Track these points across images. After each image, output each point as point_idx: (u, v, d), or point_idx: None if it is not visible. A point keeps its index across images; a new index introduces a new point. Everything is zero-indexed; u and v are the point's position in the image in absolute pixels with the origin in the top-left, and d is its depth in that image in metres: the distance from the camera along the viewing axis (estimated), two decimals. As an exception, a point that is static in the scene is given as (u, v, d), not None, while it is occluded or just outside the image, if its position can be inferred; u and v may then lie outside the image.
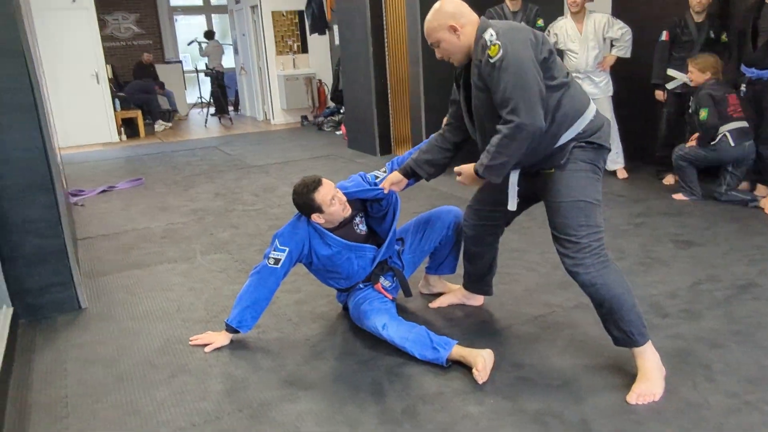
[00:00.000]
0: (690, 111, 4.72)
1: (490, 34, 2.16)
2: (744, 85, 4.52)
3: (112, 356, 2.79)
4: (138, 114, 10.16)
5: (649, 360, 2.31)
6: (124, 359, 2.76)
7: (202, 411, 2.33)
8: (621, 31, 5.14)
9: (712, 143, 4.49)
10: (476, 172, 2.31)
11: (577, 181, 2.26)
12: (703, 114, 4.46)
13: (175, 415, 2.32)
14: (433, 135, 2.78)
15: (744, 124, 4.46)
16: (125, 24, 13.22)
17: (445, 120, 2.73)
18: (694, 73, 4.59)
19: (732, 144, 4.43)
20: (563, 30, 5.23)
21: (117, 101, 9.84)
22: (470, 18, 2.29)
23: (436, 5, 2.33)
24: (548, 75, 2.19)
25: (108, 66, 10.03)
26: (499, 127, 2.17)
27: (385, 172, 2.92)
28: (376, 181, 2.89)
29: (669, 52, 5.01)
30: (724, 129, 4.44)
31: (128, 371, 2.65)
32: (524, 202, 2.57)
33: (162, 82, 11.54)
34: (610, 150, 2.37)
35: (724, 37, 4.87)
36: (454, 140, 2.68)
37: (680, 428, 2.07)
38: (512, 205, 2.45)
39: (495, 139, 2.19)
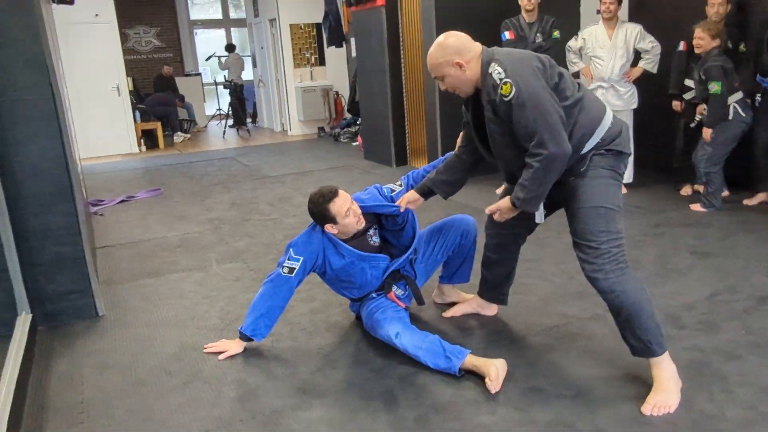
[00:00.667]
0: (698, 79, 4.60)
1: (498, 72, 2.18)
2: (759, 96, 4.44)
3: (128, 363, 2.82)
4: (158, 126, 10.30)
5: (665, 371, 2.29)
6: (140, 366, 2.79)
7: (215, 418, 2.34)
8: (652, 44, 5.08)
9: (723, 121, 4.43)
10: (514, 204, 2.35)
11: (597, 188, 2.27)
12: (717, 88, 4.38)
13: (188, 422, 2.33)
14: (449, 154, 2.81)
15: (741, 93, 4.46)
16: (146, 37, 13.43)
17: (458, 141, 2.76)
18: (704, 39, 4.45)
19: (743, 114, 4.42)
20: (593, 36, 5.15)
21: (137, 113, 9.99)
22: (474, 51, 2.31)
23: (440, 39, 2.35)
24: (562, 96, 2.21)
25: (129, 78, 10.18)
26: (528, 161, 2.20)
27: (400, 185, 2.94)
28: (392, 194, 2.91)
29: (686, 62, 4.97)
30: (732, 100, 4.41)
31: (143, 377, 2.68)
32: (547, 210, 2.57)
33: (182, 94, 11.68)
34: (630, 154, 2.39)
35: (742, 47, 4.80)
36: (470, 161, 2.72)
37: (695, 440, 2.04)
38: (540, 218, 2.49)
39: (528, 173, 2.22)
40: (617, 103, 5.15)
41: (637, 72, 5.20)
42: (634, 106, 5.30)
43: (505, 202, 2.40)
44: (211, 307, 3.40)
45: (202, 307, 3.41)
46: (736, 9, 4.83)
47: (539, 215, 2.47)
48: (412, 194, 2.81)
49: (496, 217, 2.50)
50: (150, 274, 4.00)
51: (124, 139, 9.78)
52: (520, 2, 5.33)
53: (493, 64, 2.21)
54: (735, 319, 2.90)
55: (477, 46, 2.33)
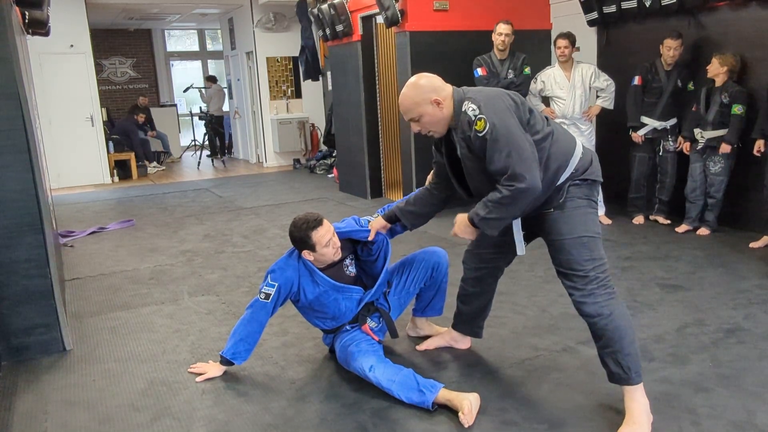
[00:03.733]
0: (720, 102, 4.73)
1: (472, 109, 2.23)
2: None
3: (95, 399, 2.76)
4: (131, 156, 10.23)
5: (638, 402, 2.31)
6: (107, 401, 2.73)
7: (183, 455, 2.30)
8: (606, 82, 5.34)
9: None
10: (471, 221, 2.36)
11: (577, 218, 2.32)
12: (743, 110, 4.61)
13: (156, 459, 2.28)
14: (420, 189, 2.84)
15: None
16: (122, 68, 13.41)
17: (429, 178, 2.79)
18: (714, 65, 4.69)
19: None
20: (551, 78, 5.39)
21: (111, 143, 9.92)
22: (447, 91, 2.37)
23: (413, 80, 2.39)
24: (533, 131, 2.27)
25: (103, 109, 10.13)
26: (499, 186, 2.22)
27: (377, 218, 2.97)
28: (368, 226, 2.93)
29: (641, 96, 5.17)
30: None
31: (110, 414, 2.62)
32: (525, 241, 2.60)
33: (147, 124, 11.47)
34: (602, 182, 2.45)
35: (690, 85, 5.07)
36: (442, 197, 2.75)
37: (665, 473, 2.05)
38: (521, 250, 2.51)
39: (494, 196, 2.24)
40: (580, 140, 5.30)
41: (595, 110, 5.43)
42: (593, 142, 5.54)
43: (461, 217, 2.42)
44: (182, 341, 3.35)
45: (173, 341, 3.36)
46: (689, 53, 5.12)
47: (520, 246, 2.50)
48: (379, 221, 2.86)
49: (453, 230, 2.48)
50: (120, 307, 3.94)
51: (97, 169, 9.69)
52: (493, 39, 5.46)
53: (466, 102, 2.26)
54: (703, 351, 2.95)
55: (448, 87, 2.38)
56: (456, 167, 2.49)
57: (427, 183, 2.80)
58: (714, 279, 3.95)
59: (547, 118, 2.40)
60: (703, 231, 4.95)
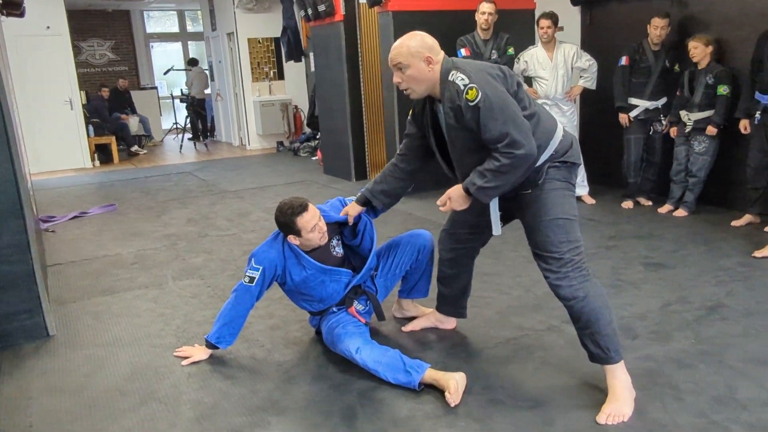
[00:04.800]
0: (705, 83, 4.75)
1: (461, 78, 2.20)
2: (759, 113, 4.40)
3: (80, 384, 2.74)
4: (112, 140, 10.10)
5: (620, 380, 2.33)
6: (92, 387, 2.71)
7: (170, 438, 2.29)
8: (589, 62, 5.34)
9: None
10: (467, 191, 2.32)
11: (555, 200, 2.32)
12: (728, 91, 4.64)
13: (142, 443, 2.28)
14: (387, 165, 2.80)
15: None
16: (100, 50, 13.21)
17: (399, 150, 2.76)
18: (698, 48, 4.67)
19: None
20: (534, 58, 5.38)
21: (91, 127, 9.78)
22: (441, 56, 2.34)
23: (414, 33, 2.36)
24: (521, 105, 2.25)
25: (82, 92, 9.97)
26: (496, 155, 2.19)
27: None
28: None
29: (629, 76, 5.16)
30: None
31: (95, 399, 2.60)
32: (502, 222, 2.59)
33: (127, 107, 11.34)
34: (580, 164, 2.45)
35: (677, 67, 5.07)
36: (409, 169, 2.73)
37: (649, 448, 2.09)
38: (497, 230, 2.50)
39: (492, 164, 2.21)
40: (561, 120, 5.33)
41: (577, 90, 5.43)
42: (576, 122, 5.55)
43: (457, 189, 2.37)
44: (166, 325, 3.33)
45: (158, 326, 3.34)
46: (675, 33, 5.10)
47: (496, 227, 2.48)
48: (353, 206, 2.83)
49: (445, 207, 2.44)
50: (103, 292, 3.90)
51: (77, 153, 9.55)
52: (476, 19, 5.43)
53: (454, 72, 2.24)
54: (686, 328, 2.98)
55: (443, 53, 2.36)
56: (440, 141, 2.47)
57: (396, 156, 2.77)
58: (697, 257, 3.99)
59: (533, 100, 2.40)
60: (681, 212, 4.99)
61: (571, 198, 2.38)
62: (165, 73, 12.10)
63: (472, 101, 2.17)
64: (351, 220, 2.84)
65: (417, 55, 2.30)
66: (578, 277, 2.30)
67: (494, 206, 2.44)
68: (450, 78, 2.24)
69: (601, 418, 2.25)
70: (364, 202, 2.82)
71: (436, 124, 2.46)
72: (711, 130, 4.72)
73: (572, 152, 2.37)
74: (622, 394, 2.31)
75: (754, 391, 2.40)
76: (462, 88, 2.19)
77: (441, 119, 2.39)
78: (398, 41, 2.36)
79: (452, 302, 3.02)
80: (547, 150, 2.30)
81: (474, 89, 2.17)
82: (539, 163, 2.30)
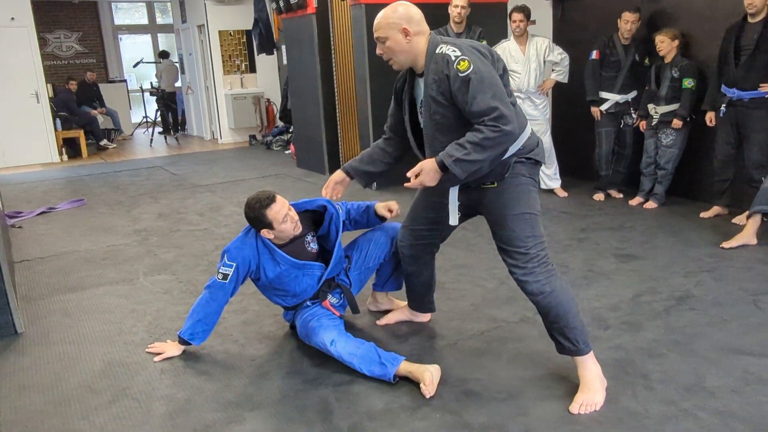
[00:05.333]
0: (670, 77, 4.82)
1: (452, 50, 2.19)
2: (724, 106, 4.48)
3: (50, 382, 2.69)
4: (80, 134, 9.91)
5: (590, 370, 2.36)
6: (62, 384, 2.66)
7: (143, 436, 2.27)
8: (561, 56, 5.37)
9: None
10: (441, 164, 2.20)
11: (520, 194, 2.32)
12: (693, 84, 4.72)
13: (114, 441, 2.24)
14: (373, 146, 2.76)
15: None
16: (67, 42, 12.93)
17: (385, 132, 2.73)
18: (665, 42, 4.75)
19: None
20: (506, 51, 5.39)
21: (58, 121, 9.58)
22: (423, 29, 2.32)
23: (395, 4, 2.34)
24: (507, 91, 2.25)
25: (49, 85, 9.77)
26: (480, 127, 2.13)
27: (340, 209, 2.96)
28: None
29: (599, 70, 5.21)
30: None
31: (66, 397, 2.56)
32: (462, 217, 2.59)
33: (95, 100, 11.13)
34: (543, 164, 2.46)
35: (646, 61, 5.14)
36: (395, 154, 2.71)
37: (621, 436, 2.12)
38: (454, 220, 2.47)
39: (474, 137, 2.14)
40: (534, 113, 5.41)
41: (549, 84, 5.48)
42: (548, 116, 5.60)
43: (430, 162, 2.24)
44: (138, 321, 3.28)
45: (129, 322, 3.29)
46: (644, 28, 5.16)
47: (454, 216, 2.46)
48: (339, 174, 2.73)
49: (414, 181, 2.28)
50: (73, 289, 3.83)
51: (44, 148, 9.36)
52: (449, 12, 5.43)
53: (443, 45, 2.22)
54: (656, 318, 3.03)
55: (427, 28, 2.34)
56: (415, 118, 2.44)
57: (382, 139, 2.74)
58: (666, 248, 4.06)
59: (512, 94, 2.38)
60: (651, 204, 5.07)
61: (535, 194, 2.39)
62: (134, 66, 11.90)
63: (463, 72, 2.14)
64: (330, 193, 2.73)
65: (394, 26, 2.28)
66: (544, 273, 2.31)
67: (453, 195, 2.43)
68: (438, 51, 2.22)
69: (574, 407, 2.27)
70: (349, 174, 2.74)
71: (413, 100, 2.43)
72: (676, 123, 4.79)
73: (538, 151, 2.37)
74: (593, 384, 2.34)
75: (722, 379, 2.45)
76: (453, 58, 2.17)
77: (419, 93, 2.36)
78: (382, 11, 2.35)
79: (418, 298, 3.03)
80: (516, 143, 2.28)
81: (466, 61, 2.15)
82: (507, 155, 2.28)
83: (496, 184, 2.34)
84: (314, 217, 2.93)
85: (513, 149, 2.29)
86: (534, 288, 2.32)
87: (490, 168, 2.28)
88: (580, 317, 2.37)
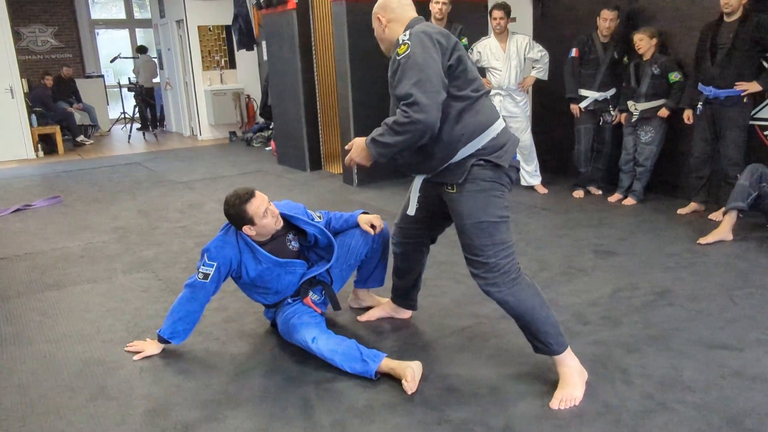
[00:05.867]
0: (651, 74, 4.86)
1: (404, 34, 2.22)
2: (700, 104, 4.53)
3: (26, 381, 2.65)
4: (56, 130, 9.77)
5: (568, 366, 2.38)
6: (39, 384, 2.62)
7: (122, 435, 2.24)
8: (541, 53, 5.41)
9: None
10: (365, 142, 2.29)
11: (476, 202, 2.27)
12: (679, 76, 4.77)
13: (93, 441, 2.22)
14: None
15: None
16: (42, 37, 12.73)
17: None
18: (644, 40, 4.80)
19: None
20: (487, 48, 5.42)
21: (33, 116, 9.43)
22: (400, 16, 2.34)
23: None
24: (453, 84, 2.21)
25: (24, 80, 9.61)
26: (397, 110, 2.16)
27: (320, 218, 2.95)
28: (317, 221, 2.90)
29: (579, 68, 5.26)
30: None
31: (43, 396, 2.52)
32: (443, 218, 2.62)
33: (71, 95, 10.97)
34: (516, 168, 2.36)
35: (625, 59, 5.19)
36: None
37: (599, 430, 2.14)
38: (411, 209, 2.51)
39: (389, 119, 2.19)
40: (514, 110, 5.44)
41: (530, 81, 5.51)
42: (529, 113, 5.63)
43: (360, 139, 2.34)
44: (117, 320, 3.25)
45: (108, 320, 3.25)
46: (623, 26, 5.21)
47: (412, 207, 2.50)
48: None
49: (347, 159, 2.40)
50: (50, 287, 3.78)
51: (19, 144, 9.20)
52: (430, 9, 5.43)
53: (407, 31, 2.24)
54: (635, 313, 3.07)
55: (408, 14, 2.35)
56: None
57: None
58: (645, 244, 4.10)
59: (479, 89, 2.31)
60: (629, 201, 5.12)
61: (497, 199, 2.29)
62: (111, 61, 11.75)
63: (399, 56, 2.17)
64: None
65: (373, 14, 2.39)
66: (507, 283, 2.29)
67: (416, 186, 2.46)
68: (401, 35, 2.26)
69: (554, 403, 2.29)
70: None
71: None
72: (663, 112, 4.84)
73: (501, 153, 2.26)
74: (572, 380, 2.36)
75: (699, 373, 2.48)
76: (399, 42, 2.20)
77: None
78: None
79: (403, 294, 3.04)
80: (473, 142, 2.24)
81: (406, 45, 2.17)
82: (463, 156, 2.25)
83: (454, 189, 2.30)
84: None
85: (470, 149, 2.25)
86: (497, 297, 2.32)
87: (445, 165, 2.28)
88: (551, 320, 2.35)
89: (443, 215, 2.54)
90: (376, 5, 2.40)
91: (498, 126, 2.31)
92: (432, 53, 2.15)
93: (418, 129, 2.12)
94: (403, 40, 2.20)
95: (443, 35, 2.23)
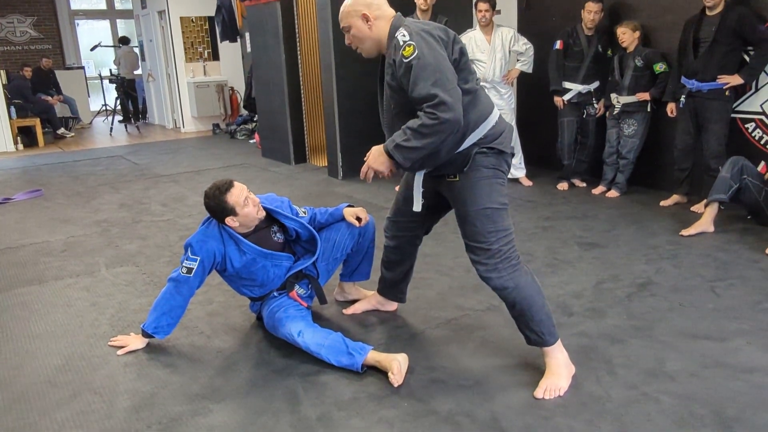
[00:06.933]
0: (633, 66, 4.87)
1: (402, 35, 2.16)
2: (683, 97, 4.56)
3: (7, 377, 2.62)
4: (36, 122, 9.64)
5: (556, 358, 2.40)
6: (21, 379, 2.59)
7: (107, 430, 2.22)
8: (525, 46, 5.41)
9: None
10: (386, 150, 2.21)
11: (481, 189, 2.29)
12: (665, 66, 4.79)
13: (77, 436, 2.20)
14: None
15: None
16: (21, 27, 12.54)
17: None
18: (627, 33, 4.82)
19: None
20: (472, 41, 5.42)
21: (12, 108, 9.29)
22: (385, 12, 2.30)
23: None
24: (461, 77, 2.20)
25: (2, 71, 9.46)
26: (420, 114, 2.11)
27: (305, 213, 2.95)
28: (301, 216, 2.90)
29: (563, 60, 5.27)
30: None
31: (25, 392, 2.49)
32: (438, 210, 2.63)
33: (51, 87, 10.82)
34: (512, 154, 2.40)
35: (609, 51, 5.22)
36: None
37: (584, 421, 2.16)
38: (417, 206, 2.46)
39: (414, 122, 2.13)
40: (499, 103, 5.46)
41: (514, 73, 5.51)
42: (513, 105, 5.64)
43: (378, 148, 2.26)
44: (100, 314, 3.22)
45: (91, 315, 3.22)
46: (607, 19, 5.23)
47: (417, 203, 2.45)
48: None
49: (363, 168, 2.30)
50: (31, 282, 3.74)
51: (-3, 136, 9.08)
52: (415, 1, 5.42)
53: (400, 29, 2.19)
54: (618, 305, 3.10)
55: (390, 10, 2.32)
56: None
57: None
58: (628, 236, 4.14)
59: (476, 79, 2.35)
60: (613, 193, 5.16)
61: (500, 186, 2.32)
62: (92, 50, 11.59)
63: (407, 58, 2.11)
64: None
65: (354, 13, 2.28)
66: (507, 268, 2.30)
67: (418, 182, 2.42)
68: (395, 34, 2.19)
69: (539, 392, 2.31)
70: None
71: (383, 82, 2.40)
72: (643, 95, 4.85)
73: (502, 140, 2.31)
74: (558, 370, 2.38)
75: (682, 363, 2.51)
76: (401, 44, 2.15)
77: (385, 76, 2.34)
78: (345, 1, 2.34)
79: (393, 286, 3.04)
80: (476, 132, 2.26)
81: (411, 46, 2.12)
82: (466, 146, 2.26)
83: (457, 178, 2.31)
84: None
85: (473, 138, 2.26)
86: (497, 284, 2.32)
87: (449, 158, 2.27)
88: (546, 309, 2.38)
89: (440, 207, 2.55)
90: (356, 3, 2.28)
91: (495, 115, 2.32)
92: (439, 50, 2.14)
93: (447, 128, 2.10)
94: (405, 41, 2.13)
95: (441, 30, 2.22)
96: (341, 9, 2.33)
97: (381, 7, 2.30)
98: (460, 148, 2.26)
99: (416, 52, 2.11)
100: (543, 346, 2.41)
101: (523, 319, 2.38)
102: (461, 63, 2.22)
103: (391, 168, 2.27)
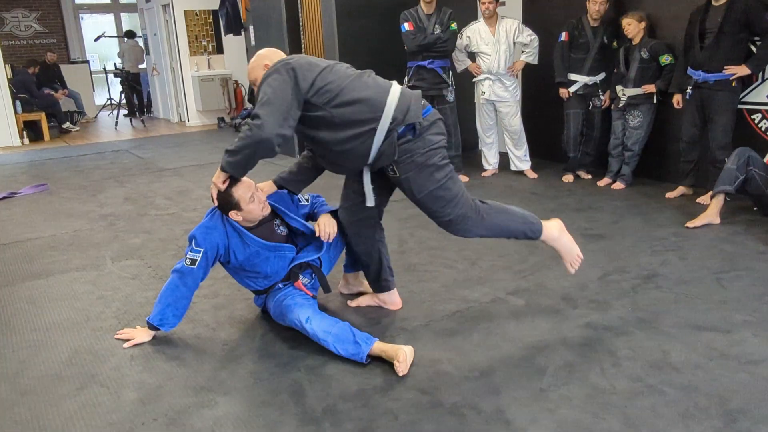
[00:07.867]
0: (639, 58, 4.85)
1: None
2: (690, 88, 4.54)
3: (15, 370, 2.64)
4: (41, 116, 9.66)
5: (556, 240, 2.79)
6: (28, 373, 2.61)
7: (114, 422, 2.24)
8: (530, 37, 5.39)
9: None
10: (222, 168, 2.53)
11: (420, 177, 2.51)
12: (671, 58, 4.77)
13: (84, 429, 2.21)
14: (298, 161, 2.96)
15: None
16: (26, 21, 12.55)
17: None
18: (632, 24, 4.79)
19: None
20: (476, 33, 5.40)
21: (18, 103, 9.31)
22: (280, 58, 2.58)
23: (258, 52, 2.70)
24: (326, 97, 2.43)
25: (7, 66, 9.48)
26: (247, 122, 2.41)
27: (307, 200, 3.03)
28: (300, 204, 2.98)
29: (568, 52, 5.24)
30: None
31: (33, 385, 2.51)
32: (386, 194, 2.82)
33: (56, 81, 10.84)
34: (440, 119, 2.60)
35: (615, 43, 5.18)
36: (319, 168, 2.91)
37: (589, 413, 2.16)
38: (370, 201, 2.67)
39: (240, 134, 2.43)
40: (504, 95, 5.44)
41: (519, 65, 5.49)
42: (518, 97, 5.63)
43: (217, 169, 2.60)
44: (106, 308, 3.23)
45: (97, 308, 3.24)
46: (612, 10, 5.19)
47: (370, 199, 2.66)
48: (270, 185, 2.93)
49: (212, 187, 2.65)
50: (38, 275, 3.75)
51: (4, 131, 9.09)
52: (419, -7, 5.41)
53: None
54: (623, 297, 3.09)
55: (281, 57, 2.60)
56: None
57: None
58: (633, 228, 4.13)
59: (360, 78, 2.52)
60: (618, 185, 5.14)
61: (436, 159, 2.50)
62: (96, 40, 11.58)
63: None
64: (263, 199, 2.80)
65: (257, 67, 2.62)
66: (475, 222, 2.60)
67: (367, 178, 2.63)
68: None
69: (570, 270, 2.86)
70: (280, 185, 2.95)
71: None
72: (649, 87, 4.83)
73: (410, 114, 2.45)
74: (565, 246, 2.81)
75: (686, 355, 2.51)
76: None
77: None
78: (249, 63, 2.71)
79: (375, 277, 3.03)
80: (381, 121, 2.42)
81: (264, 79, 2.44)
82: (380, 140, 2.43)
83: (398, 174, 2.52)
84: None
85: (381, 134, 2.43)
86: (474, 235, 2.66)
87: (376, 156, 2.47)
88: (520, 219, 2.70)
89: (386, 190, 2.80)
90: (258, 59, 2.67)
91: (393, 93, 2.48)
92: (286, 80, 2.44)
93: (256, 139, 2.43)
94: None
95: (301, 64, 2.49)
96: (249, 67, 2.73)
97: (274, 60, 2.58)
98: (377, 143, 2.44)
99: (263, 84, 2.44)
100: (535, 240, 2.76)
101: (512, 237, 2.74)
102: (320, 87, 2.43)
103: (224, 179, 2.57)
